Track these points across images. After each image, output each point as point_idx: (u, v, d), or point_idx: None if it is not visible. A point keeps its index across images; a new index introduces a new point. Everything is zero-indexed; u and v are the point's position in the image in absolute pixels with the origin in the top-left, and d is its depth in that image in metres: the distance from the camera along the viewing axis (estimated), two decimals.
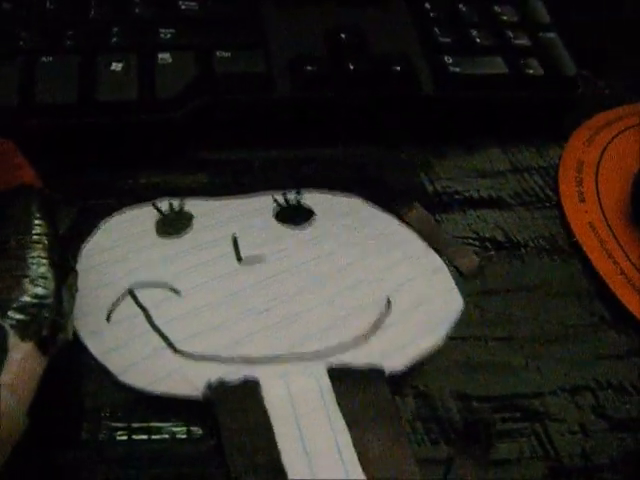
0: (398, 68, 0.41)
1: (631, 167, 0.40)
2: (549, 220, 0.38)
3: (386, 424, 0.29)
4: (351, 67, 0.41)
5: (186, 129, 0.39)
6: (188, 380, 0.30)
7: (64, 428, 0.29)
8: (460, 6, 0.44)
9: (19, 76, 0.38)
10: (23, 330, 0.27)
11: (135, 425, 0.29)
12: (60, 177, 0.36)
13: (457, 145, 0.41)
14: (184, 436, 0.29)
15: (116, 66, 0.39)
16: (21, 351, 0.26)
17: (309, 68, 0.40)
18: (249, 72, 0.40)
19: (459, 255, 0.36)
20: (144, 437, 0.29)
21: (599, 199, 0.39)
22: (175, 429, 0.29)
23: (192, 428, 0.29)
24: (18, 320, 0.27)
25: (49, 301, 0.28)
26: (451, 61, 0.41)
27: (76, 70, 0.39)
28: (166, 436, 0.29)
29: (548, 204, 0.39)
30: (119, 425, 0.29)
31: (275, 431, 0.28)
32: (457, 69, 0.41)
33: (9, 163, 0.34)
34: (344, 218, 0.36)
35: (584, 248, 0.36)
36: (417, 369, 0.31)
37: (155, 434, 0.29)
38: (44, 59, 0.39)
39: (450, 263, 0.35)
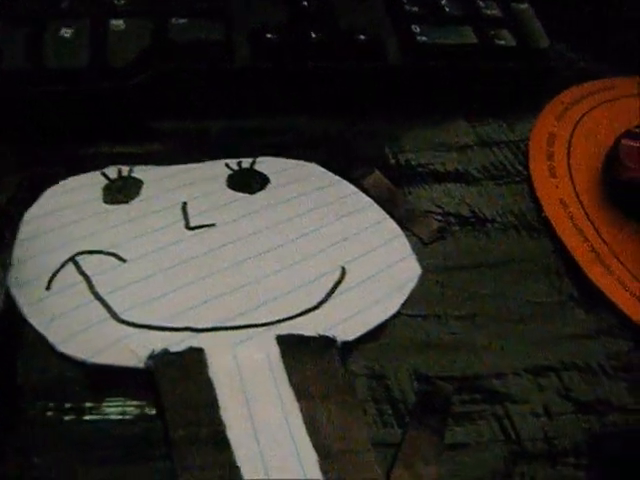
0: (363, 37, 0.39)
1: (604, 142, 0.38)
2: (518, 195, 0.36)
3: (337, 396, 0.27)
4: (314, 36, 0.39)
5: (140, 98, 0.37)
6: (131, 350, 0.28)
7: (3, 407, 0.27)
8: None
9: None
10: None
11: (79, 404, 0.27)
12: (5, 145, 0.35)
13: (424, 117, 0.40)
14: (132, 414, 0.27)
15: (65, 32, 0.37)
16: None
17: (270, 37, 0.38)
18: (207, 40, 0.38)
19: (418, 223, 0.34)
20: (91, 417, 0.27)
21: (571, 174, 0.37)
22: (123, 407, 0.27)
23: (140, 405, 0.27)
24: None
25: None
26: (419, 30, 0.39)
27: (24, 36, 0.37)
28: (113, 416, 0.27)
29: (517, 179, 0.37)
30: (63, 404, 0.27)
31: (220, 403, 0.27)
32: (425, 38, 0.39)
33: None
34: (299, 184, 0.35)
35: (554, 224, 0.35)
36: (372, 347, 0.30)
37: (100, 413, 0.27)
38: None
39: (409, 231, 0.34)
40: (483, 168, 0.37)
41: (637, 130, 0.37)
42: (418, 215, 0.35)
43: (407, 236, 0.34)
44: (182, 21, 0.38)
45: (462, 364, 0.30)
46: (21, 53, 0.36)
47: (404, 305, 0.31)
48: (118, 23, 0.38)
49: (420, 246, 0.33)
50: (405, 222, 0.34)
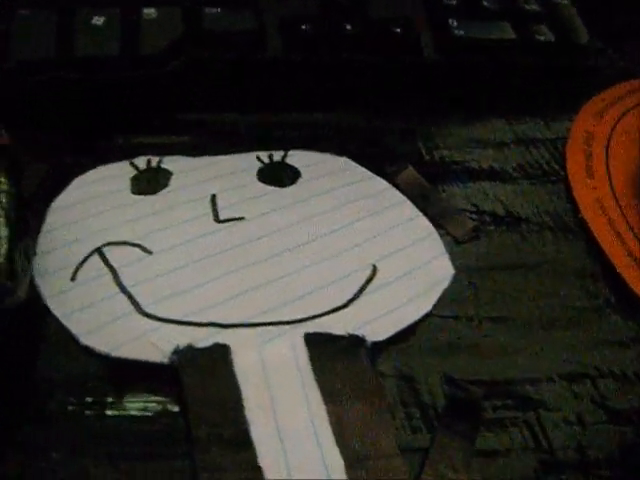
0: (398, 30, 0.38)
1: None
2: (554, 195, 0.35)
3: (366, 398, 0.26)
4: (348, 28, 0.38)
5: (171, 87, 0.37)
6: (155, 345, 0.27)
7: (24, 401, 0.27)
8: None
9: None
10: None
11: (101, 398, 0.27)
12: (36, 134, 0.34)
13: (459, 113, 0.39)
14: (154, 411, 0.26)
15: (97, 20, 0.37)
16: None
17: (303, 28, 0.38)
18: (239, 30, 0.37)
19: (453, 221, 0.33)
20: (112, 412, 0.26)
21: (609, 175, 0.36)
22: (145, 403, 0.27)
23: (163, 401, 0.27)
24: None
25: (1, 265, 0.26)
26: (456, 24, 0.39)
27: (55, 25, 0.36)
28: (134, 412, 0.26)
29: (554, 178, 0.36)
30: (85, 398, 0.27)
31: (244, 402, 0.26)
32: (461, 33, 0.38)
33: None
34: (331, 179, 0.34)
35: (590, 226, 0.34)
36: (402, 348, 0.29)
37: (122, 409, 0.26)
38: (22, 12, 0.37)
39: (443, 229, 0.33)
40: (519, 166, 0.37)
41: None
42: (452, 213, 0.34)
43: (440, 235, 0.33)
44: (214, 10, 0.38)
45: (494, 368, 0.29)
46: (52, 41, 0.36)
47: (436, 305, 0.30)
48: (150, 12, 0.37)
49: (453, 245, 0.33)
50: (439, 220, 0.33)
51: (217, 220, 0.32)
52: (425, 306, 0.30)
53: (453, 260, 0.32)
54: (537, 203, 0.35)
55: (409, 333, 0.29)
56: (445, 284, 0.31)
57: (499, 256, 0.33)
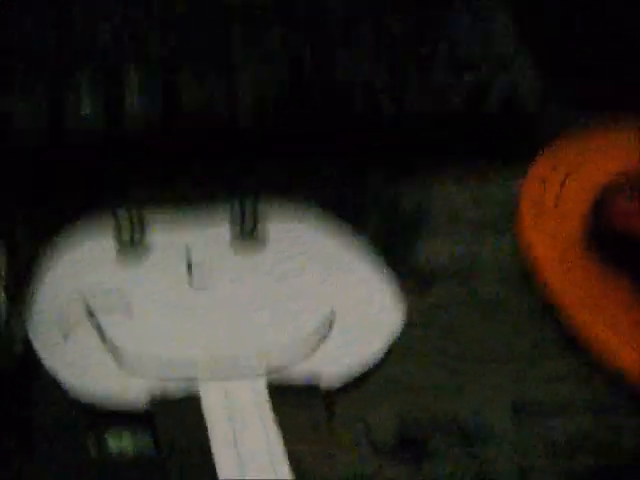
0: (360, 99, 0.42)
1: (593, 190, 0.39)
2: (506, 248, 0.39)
3: (318, 443, 0.30)
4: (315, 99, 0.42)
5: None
6: (135, 395, 0.31)
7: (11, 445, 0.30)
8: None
9: None
10: None
11: (87, 444, 0.30)
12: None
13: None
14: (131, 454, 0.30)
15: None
16: None
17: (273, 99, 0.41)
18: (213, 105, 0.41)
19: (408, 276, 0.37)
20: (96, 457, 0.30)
21: (560, 222, 0.39)
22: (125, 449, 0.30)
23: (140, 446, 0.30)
24: None
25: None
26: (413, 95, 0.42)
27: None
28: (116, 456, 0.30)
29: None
30: (70, 441, 0.30)
31: (213, 443, 0.29)
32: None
33: None
34: (299, 241, 0.38)
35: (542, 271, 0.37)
36: (356, 393, 0.32)
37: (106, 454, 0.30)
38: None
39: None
40: (473, 223, 0.40)
41: (622, 181, 0.39)
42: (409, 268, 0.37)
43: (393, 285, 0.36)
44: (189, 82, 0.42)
45: (443, 405, 0.32)
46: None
47: (388, 347, 0.33)
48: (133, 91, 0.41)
49: (406, 295, 0.36)
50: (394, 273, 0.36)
51: (191, 287, 0.35)
52: (377, 354, 0.33)
53: (406, 307, 0.35)
54: (488, 255, 0.38)
55: (362, 377, 0.32)
56: (397, 329, 0.34)
57: (451, 303, 0.36)
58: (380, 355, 0.33)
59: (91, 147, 0.40)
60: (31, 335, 0.32)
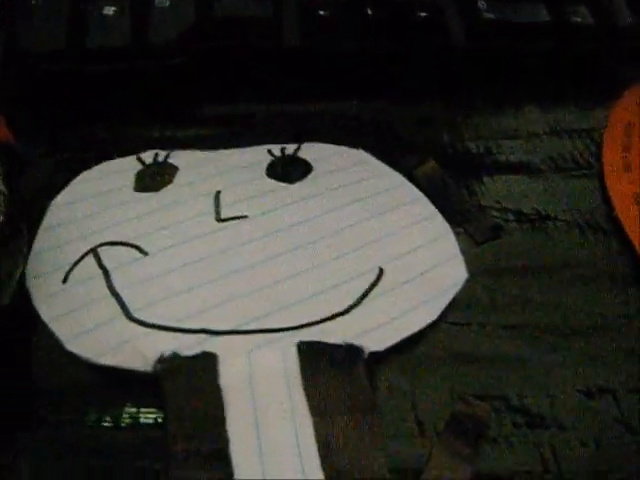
0: (423, 14, 0.36)
1: None
2: (586, 191, 0.33)
3: (357, 414, 0.24)
4: (369, 13, 0.36)
5: (182, 79, 0.35)
6: (140, 352, 0.26)
7: (16, 406, 0.26)
8: None
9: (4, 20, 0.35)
10: None
11: (83, 408, 0.26)
12: (41, 128, 0.34)
13: (487, 102, 0.36)
14: (130, 422, 0.25)
15: (108, 10, 0.36)
16: None
17: (321, 13, 0.36)
18: (254, 17, 0.36)
19: (472, 219, 0.31)
20: (93, 423, 0.25)
21: None
22: (126, 415, 0.26)
23: (144, 413, 0.26)
24: None
25: None
26: (485, 6, 0.36)
27: (66, 15, 0.35)
28: (113, 423, 0.25)
29: (587, 172, 0.33)
30: (65, 408, 0.26)
31: (227, 416, 0.24)
32: (491, 15, 0.36)
33: None
34: (343, 173, 0.32)
35: (624, 225, 0.31)
36: (403, 359, 0.27)
37: (104, 420, 0.25)
38: (33, 1, 0.36)
39: (461, 228, 0.31)
40: (550, 159, 0.34)
41: None
42: (473, 211, 0.31)
43: (458, 234, 0.30)
44: None
45: (505, 381, 0.26)
46: (62, 32, 0.35)
47: (445, 312, 0.28)
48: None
49: (471, 246, 0.30)
50: (457, 218, 0.31)
51: (218, 219, 0.30)
52: (432, 314, 0.27)
53: (469, 262, 0.29)
54: (567, 199, 0.32)
55: (412, 343, 0.27)
56: (456, 289, 0.28)
57: (520, 257, 0.30)
58: (434, 317, 0.27)
59: (114, 59, 0.35)
60: (28, 281, 0.28)
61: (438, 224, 0.31)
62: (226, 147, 0.34)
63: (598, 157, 0.34)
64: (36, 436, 0.25)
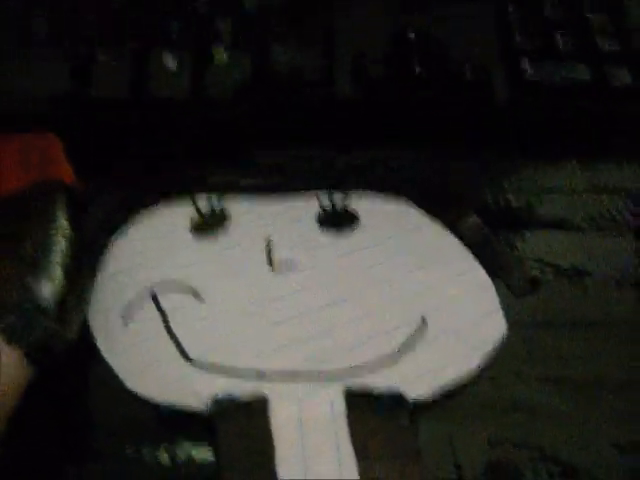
0: (470, 72, 0.37)
1: None
2: (624, 249, 0.34)
3: (401, 459, 0.26)
4: (417, 70, 0.37)
5: (237, 127, 0.37)
6: (195, 392, 0.27)
7: (71, 439, 0.28)
8: (546, 10, 0.40)
9: (71, 70, 0.37)
10: (11, 334, 0.25)
11: (141, 443, 0.27)
12: (104, 171, 0.35)
13: (530, 158, 0.37)
14: (184, 458, 0.27)
15: (169, 62, 0.38)
16: (5, 355, 0.25)
17: (372, 68, 0.38)
18: (307, 70, 0.38)
19: (512, 273, 0.32)
20: (149, 458, 0.27)
21: None
22: (180, 451, 0.27)
23: (196, 449, 0.27)
24: (8, 323, 0.25)
25: (51, 307, 0.27)
26: (529, 66, 0.37)
27: (129, 66, 0.38)
28: (168, 459, 0.27)
29: (625, 230, 0.34)
30: (125, 442, 0.27)
31: (277, 457, 0.26)
32: (535, 77, 0.37)
33: (48, 156, 0.33)
34: (390, 226, 0.34)
35: None
36: (445, 408, 0.28)
37: (158, 455, 0.27)
38: (101, 57, 0.38)
39: (500, 281, 0.32)
40: (589, 217, 0.35)
41: None
42: (512, 264, 0.33)
43: (497, 286, 0.32)
44: (282, 49, 0.38)
45: (541, 432, 0.28)
46: (126, 81, 0.37)
47: (485, 364, 0.29)
48: (220, 55, 0.38)
49: (510, 299, 0.31)
50: (497, 271, 0.32)
51: (271, 268, 0.32)
52: (472, 364, 0.29)
53: (508, 315, 0.31)
54: (605, 257, 0.33)
55: (454, 392, 0.28)
56: (496, 342, 0.30)
57: (558, 312, 0.31)
58: (474, 367, 0.29)
59: (174, 110, 0.37)
60: (90, 318, 0.30)
61: (479, 277, 0.32)
62: (277, 193, 0.35)
63: (637, 215, 0.35)
64: (89, 469, 0.26)
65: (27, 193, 0.31)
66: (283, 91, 0.38)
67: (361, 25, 0.39)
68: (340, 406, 0.27)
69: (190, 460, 0.27)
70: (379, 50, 0.39)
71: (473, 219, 0.34)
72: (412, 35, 0.39)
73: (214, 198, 0.35)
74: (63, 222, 0.30)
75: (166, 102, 0.37)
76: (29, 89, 0.37)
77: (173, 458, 0.27)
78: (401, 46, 0.39)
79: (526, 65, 0.37)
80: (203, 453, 0.27)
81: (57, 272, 0.28)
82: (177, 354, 0.29)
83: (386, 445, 0.26)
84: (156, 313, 0.30)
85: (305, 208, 0.34)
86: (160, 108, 0.37)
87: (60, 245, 0.29)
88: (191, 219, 0.34)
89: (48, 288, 0.27)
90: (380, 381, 0.28)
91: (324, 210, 0.34)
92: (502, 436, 0.27)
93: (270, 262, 0.32)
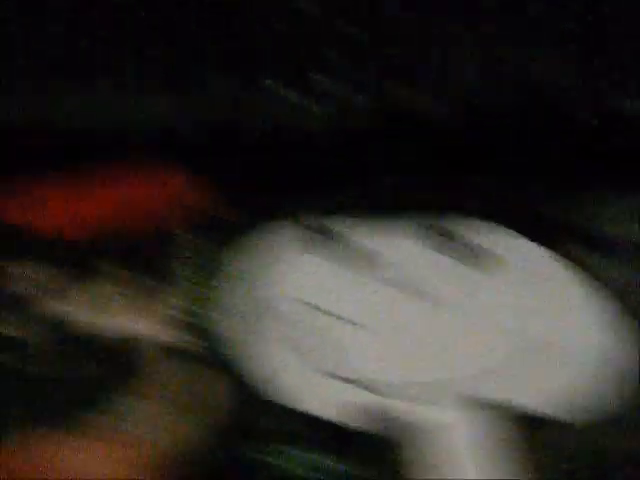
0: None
1: None
2: None
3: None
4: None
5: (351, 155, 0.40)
6: (326, 401, 0.31)
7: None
8: None
9: None
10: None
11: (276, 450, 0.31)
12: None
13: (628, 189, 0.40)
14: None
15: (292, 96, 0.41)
16: None
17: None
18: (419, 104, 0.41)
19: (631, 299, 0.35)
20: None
21: None
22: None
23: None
24: None
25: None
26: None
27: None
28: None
29: None
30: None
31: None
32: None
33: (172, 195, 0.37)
34: (496, 249, 0.37)
35: None
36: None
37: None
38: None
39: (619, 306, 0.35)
40: None
41: None
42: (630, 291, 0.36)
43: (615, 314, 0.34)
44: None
45: None
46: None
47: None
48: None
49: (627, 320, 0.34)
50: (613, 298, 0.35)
51: (386, 286, 0.35)
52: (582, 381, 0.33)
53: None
54: None
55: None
56: (604, 358, 0.33)
57: None
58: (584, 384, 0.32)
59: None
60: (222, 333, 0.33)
61: (589, 304, 0.35)
62: (383, 215, 0.38)
63: None
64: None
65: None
66: (398, 124, 0.41)
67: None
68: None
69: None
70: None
71: (576, 248, 0.37)
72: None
73: (325, 220, 0.38)
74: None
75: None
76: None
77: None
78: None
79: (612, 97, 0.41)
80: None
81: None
82: (306, 365, 0.33)
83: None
84: (282, 325, 0.34)
85: (412, 230, 0.37)
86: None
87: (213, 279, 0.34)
88: (301, 238, 0.37)
89: None
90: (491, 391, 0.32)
91: (431, 232, 0.37)
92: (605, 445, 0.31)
93: (385, 281, 0.35)
